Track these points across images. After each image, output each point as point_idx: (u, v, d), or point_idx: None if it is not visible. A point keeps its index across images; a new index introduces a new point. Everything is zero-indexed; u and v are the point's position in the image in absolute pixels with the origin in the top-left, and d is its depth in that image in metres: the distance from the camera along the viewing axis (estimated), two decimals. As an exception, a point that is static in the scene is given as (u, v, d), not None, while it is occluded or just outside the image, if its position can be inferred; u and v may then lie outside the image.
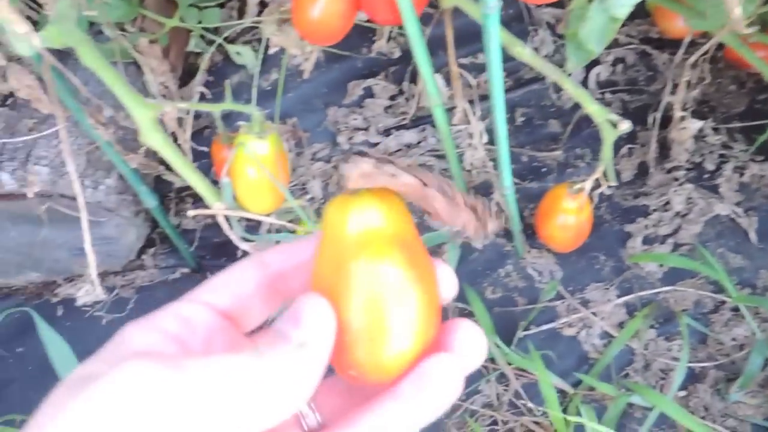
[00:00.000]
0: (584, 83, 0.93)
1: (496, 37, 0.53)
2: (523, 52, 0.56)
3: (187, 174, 0.60)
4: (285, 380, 0.21)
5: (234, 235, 0.62)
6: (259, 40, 0.97)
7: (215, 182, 0.65)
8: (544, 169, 0.88)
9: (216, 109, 0.60)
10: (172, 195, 0.93)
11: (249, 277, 0.26)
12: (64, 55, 0.72)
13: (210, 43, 0.95)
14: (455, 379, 0.23)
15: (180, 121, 0.75)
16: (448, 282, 0.26)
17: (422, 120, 0.93)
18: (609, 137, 0.58)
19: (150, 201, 0.75)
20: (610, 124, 0.58)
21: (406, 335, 0.23)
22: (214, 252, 0.88)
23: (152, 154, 0.84)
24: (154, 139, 0.57)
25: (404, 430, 0.23)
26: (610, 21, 0.49)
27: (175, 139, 0.72)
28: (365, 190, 0.24)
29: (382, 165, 0.26)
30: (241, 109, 0.60)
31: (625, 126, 0.56)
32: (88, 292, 0.73)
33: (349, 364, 0.23)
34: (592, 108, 0.56)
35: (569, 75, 0.57)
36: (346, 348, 0.23)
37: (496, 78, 0.56)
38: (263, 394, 0.21)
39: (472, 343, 0.24)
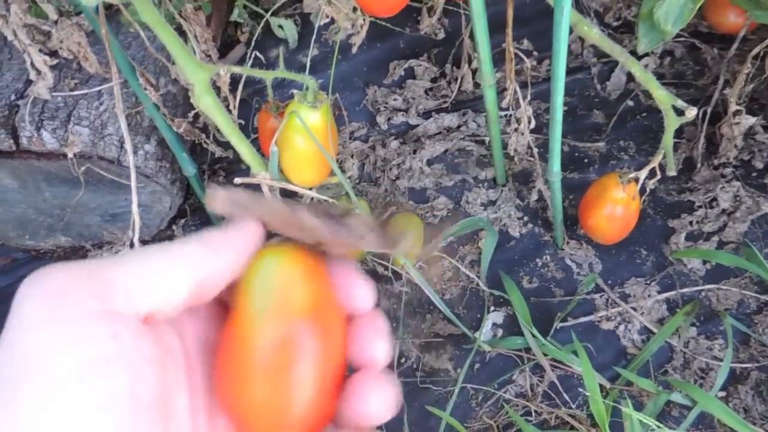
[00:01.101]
0: (631, 75, 0.91)
1: (567, 12, 0.51)
2: (590, 31, 0.54)
3: (236, 140, 0.58)
4: (207, 246, 0.23)
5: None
6: (301, 15, 0.96)
7: (260, 155, 0.64)
8: (585, 160, 0.86)
9: (269, 76, 0.59)
10: (204, 168, 0.92)
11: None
12: (108, 19, 0.71)
13: (252, 15, 0.94)
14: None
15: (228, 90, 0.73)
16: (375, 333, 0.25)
17: (463, 104, 0.91)
18: (672, 124, 0.56)
19: (189, 168, 0.73)
20: (674, 112, 0.56)
21: (299, 407, 0.23)
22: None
23: (191, 123, 0.83)
24: (206, 101, 0.55)
25: None
26: (690, 1, 0.47)
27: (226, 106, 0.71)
28: (286, 247, 0.24)
29: (255, 198, 0.25)
30: (295, 77, 0.59)
31: (692, 113, 0.54)
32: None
33: (243, 416, 0.23)
34: (659, 93, 0.55)
35: (635, 57, 0.56)
36: (245, 401, 0.23)
37: (561, 55, 0.54)
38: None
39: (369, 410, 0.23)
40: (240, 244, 0.23)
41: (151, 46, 0.76)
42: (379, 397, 0.23)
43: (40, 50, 0.72)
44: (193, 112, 0.66)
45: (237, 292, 0.24)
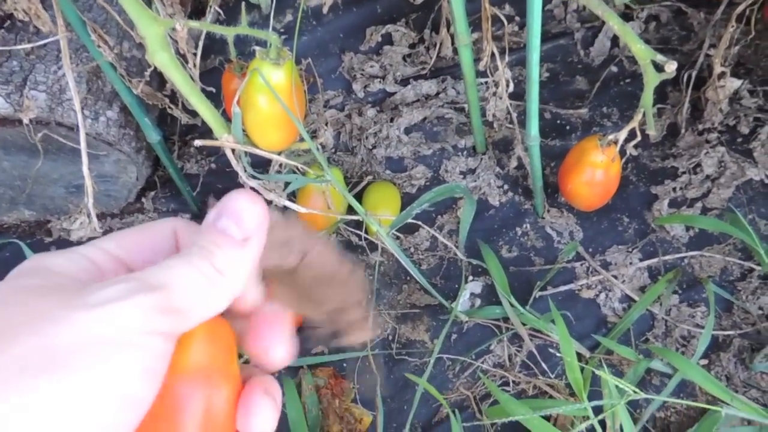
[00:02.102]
0: (615, 40, 0.88)
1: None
2: (565, -19, 0.51)
3: (195, 100, 0.55)
4: (232, 271, 0.23)
5: (242, 170, 0.58)
6: (274, -21, 0.92)
7: (225, 119, 0.61)
8: (567, 127, 0.84)
9: (230, 33, 0.56)
10: (175, 139, 0.89)
11: (160, 240, 0.26)
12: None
13: (221, -22, 0.90)
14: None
15: (188, 49, 0.70)
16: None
17: (442, 71, 0.88)
18: (652, 81, 0.54)
19: (153, 135, 0.70)
20: (654, 68, 0.54)
21: None
22: (218, 197, 0.84)
23: (155, 86, 0.79)
24: (161, 57, 0.52)
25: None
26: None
27: (185, 65, 0.67)
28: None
29: None
30: (257, 33, 0.56)
31: (673, 68, 0.51)
32: (83, 225, 0.69)
33: None
34: (638, 47, 0.52)
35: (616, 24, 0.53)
36: None
37: (536, 14, 0.52)
38: (217, 286, 0.23)
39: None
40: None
41: (113, 9, 0.72)
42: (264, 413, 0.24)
43: (-5, 12, 0.69)
44: (149, 70, 0.63)
45: None
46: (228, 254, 0.23)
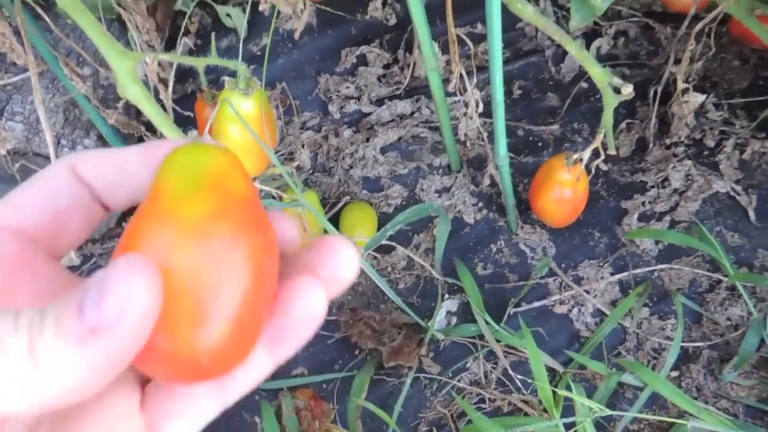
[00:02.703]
0: (584, 57, 0.90)
1: (496, -10, 0.50)
2: (524, 9, 0.53)
3: (166, 129, 0.56)
4: (54, 368, 0.15)
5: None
6: (250, 3, 0.93)
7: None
8: (540, 144, 0.85)
9: (199, 63, 0.57)
10: (155, 162, 0.90)
11: (60, 188, 0.20)
12: (38, 13, 0.69)
13: (199, 4, 0.91)
14: (320, 305, 0.19)
15: (165, 83, 0.72)
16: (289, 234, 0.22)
17: (416, 90, 0.90)
18: (611, 103, 0.56)
19: (130, 163, 0.71)
20: (613, 90, 0.55)
21: (223, 324, 0.18)
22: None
23: (133, 115, 0.81)
24: (132, 91, 0.53)
25: (255, 367, 0.20)
26: (617, -26, 0.46)
27: (158, 97, 0.69)
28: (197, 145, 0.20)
29: None
30: (226, 63, 0.57)
31: (629, 90, 0.53)
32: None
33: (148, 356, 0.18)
34: (595, 71, 0.54)
35: (573, 38, 0.54)
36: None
37: (495, 33, 0.53)
38: (20, 376, 0.15)
39: (345, 269, 0.20)
40: None
41: (89, 39, 0.74)
42: (348, 256, 0.20)
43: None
44: (121, 101, 0.64)
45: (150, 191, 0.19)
46: (60, 344, 0.15)
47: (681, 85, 0.73)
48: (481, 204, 0.81)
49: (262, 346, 0.20)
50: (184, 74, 0.91)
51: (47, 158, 0.70)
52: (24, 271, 0.19)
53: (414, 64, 0.88)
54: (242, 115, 0.58)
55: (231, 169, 0.20)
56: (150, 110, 0.56)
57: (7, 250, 0.19)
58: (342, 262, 0.20)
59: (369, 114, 0.88)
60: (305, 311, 0.19)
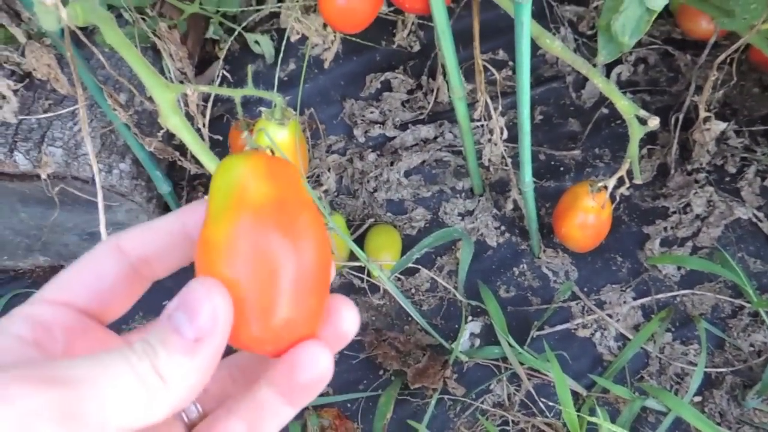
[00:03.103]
0: (604, 83, 0.91)
1: (527, 26, 0.52)
2: (552, 44, 0.55)
3: (205, 158, 0.59)
4: (179, 379, 0.19)
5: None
6: (278, 30, 0.96)
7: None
8: (561, 169, 0.87)
9: (237, 94, 0.59)
10: (183, 183, 0.92)
11: (105, 268, 0.23)
12: (80, 40, 0.71)
13: (228, 31, 0.94)
14: (325, 368, 0.22)
15: (198, 108, 0.74)
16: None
17: (440, 115, 0.92)
18: (636, 133, 0.57)
19: (164, 186, 0.74)
20: (638, 121, 0.57)
21: (288, 307, 0.22)
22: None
23: (167, 140, 0.83)
24: (173, 121, 0.56)
25: (279, 414, 0.23)
26: (646, 13, 0.48)
27: (193, 124, 0.71)
28: (247, 154, 0.23)
29: None
30: (263, 95, 0.59)
31: (655, 122, 0.54)
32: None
33: (233, 336, 0.22)
34: (621, 103, 0.55)
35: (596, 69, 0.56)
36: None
37: (524, 68, 0.55)
38: (155, 395, 0.19)
39: (341, 325, 0.23)
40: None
41: (125, 66, 0.77)
42: (350, 314, 0.23)
43: (14, 72, 0.73)
44: (163, 130, 0.66)
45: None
46: (175, 358, 0.19)
47: (702, 113, 0.74)
48: (503, 228, 0.83)
49: (282, 399, 0.22)
50: (214, 99, 0.94)
51: (85, 181, 0.72)
52: (79, 338, 0.22)
53: (437, 89, 0.90)
54: (277, 144, 0.60)
55: (265, 177, 0.22)
56: (190, 140, 0.58)
57: (63, 322, 0.22)
58: (345, 319, 0.23)
59: (393, 138, 0.90)
60: (312, 376, 0.22)
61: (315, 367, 0.22)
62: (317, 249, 0.22)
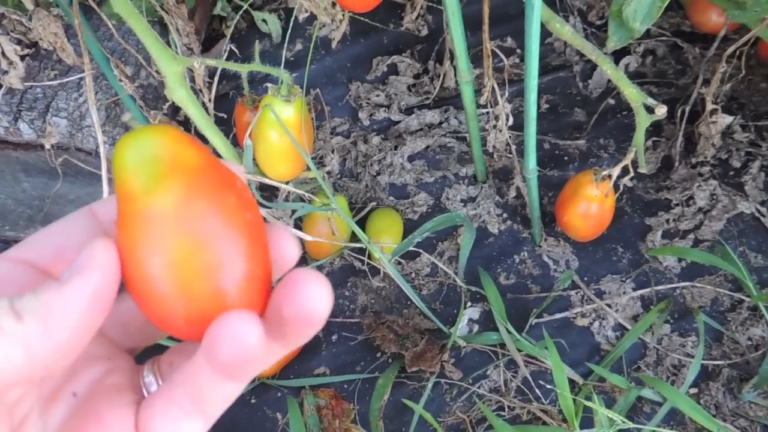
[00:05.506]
0: (612, 74, 0.91)
1: (537, 8, 0.51)
2: (562, 29, 0.54)
3: (210, 133, 0.59)
4: (36, 315, 0.18)
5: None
6: (285, 10, 0.96)
7: (235, 147, 0.64)
8: (565, 158, 0.86)
9: (244, 70, 0.59)
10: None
11: (74, 228, 0.22)
12: (88, 12, 0.71)
13: (236, 9, 0.94)
14: (248, 342, 0.19)
15: (204, 83, 0.74)
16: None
17: (445, 101, 0.91)
18: (643, 122, 0.57)
19: (167, 161, 0.74)
20: (646, 109, 0.57)
21: (214, 282, 0.20)
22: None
23: (171, 115, 0.83)
24: (179, 94, 0.55)
25: (221, 388, 0.21)
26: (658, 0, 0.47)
27: (199, 100, 0.71)
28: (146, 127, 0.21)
29: None
30: (270, 71, 0.59)
31: (662, 111, 0.54)
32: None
33: (160, 316, 0.21)
34: (630, 91, 0.55)
35: (606, 57, 0.56)
36: (157, 301, 0.20)
37: (533, 52, 0.55)
38: (5, 331, 0.18)
39: (307, 302, 0.20)
40: (90, 298, 0.19)
41: (131, 39, 0.76)
42: (317, 288, 0.20)
43: (20, 41, 0.72)
44: (168, 103, 0.66)
45: (116, 184, 0.21)
46: (38, 296, 0.19)
47: (709, 106, 0.74)
48: (505, 215, 0.83)
49: (219, 374, 0.20)
50: (219, 76, 0.93)
51: (88, 153, 0.72)
52: None
53: (444, 75, 0.90)
54: (282, 120, 0.60)
55: (177, 145, 0.21)
56: (196, 114, 0.58)
57: (18, 279, 0.21)
58: (310, 297, 0.20)
59: (398, 122, 0.90)
60: (233, 353, 0.19)
61: (237, 342, 0.19)
62: (255, 217, 0.21)
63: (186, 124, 0.81)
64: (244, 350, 0.19)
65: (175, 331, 0.21)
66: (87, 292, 0.19)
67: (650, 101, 0.55)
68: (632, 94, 0.56)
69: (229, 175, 0.21)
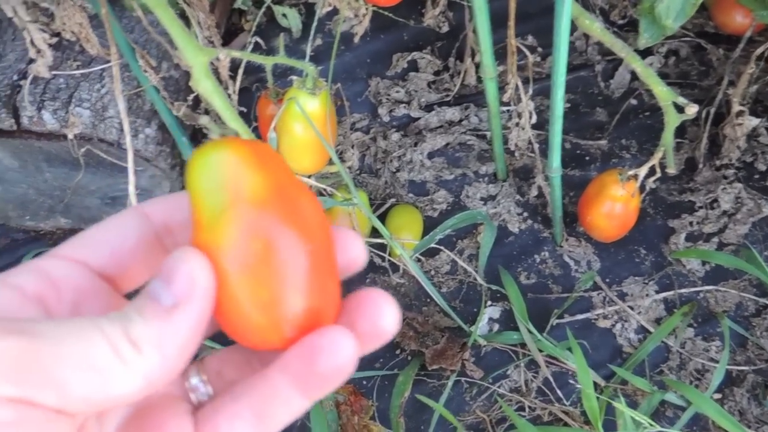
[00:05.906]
0: (635, 73, 0.90)
1: (568, 5, 0.51)
2: (592, 25, 0.54)
3: (235, 125, 0.58)
4: (154, 346, 0.18)
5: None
6: (306, 4, 0.95)
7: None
8: (587, 158, 0.86)
9: (269, 62, 0.58)
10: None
11: (129, 231, 0.22)
12: (111, 2, 0.71)
13: (256, 3, 0.93)
14: (346, 356, 0.19)
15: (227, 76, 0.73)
16: (352, 246, 0.23)
17: (465, 98, 0.91)
18: (672, 121, 0.56)
19: (189, 153, 0.73)
20: (675, 109, 0.56)
21: (295, 297, 0.20)
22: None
23: (192, 108, 0.83)
24: (205, 85, 0.55)
25: (290, 404, 0.20)
26: (694, -5, 0.47)
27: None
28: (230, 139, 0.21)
29: None
30: (296, 64, 0.58)
31: (693, 110, 0.53)
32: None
33: (235, 327, 0.21)
34: (659, 89, 0.54)
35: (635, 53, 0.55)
36: (232, 310, 0.20)
37: (562, 48, 0.54)
38: (127, 362, 0.18)
39: (379, 320, 0.21)
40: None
41: (154, 30, 0.76)
42: (388, 308, 0.21)
43: (44, 31, 0.72)
44: (192, 95, 0.66)
45: (191, 208, 0.21)
46: (151, 324, 0.18)
47: (736, 108, 0.73)
48: (526, 214, 0.82)
49: (296, 388, 0.20)
50: (235, 70, 0.93)
51: (111, 144, 0.72)
52: (89, 300, 0.21)
53: (465, 72, 0.89)
54: (308, 114, 0.59)
55: (246, 168, 0.20)
56: (221, 106, 0.57)
57: (75, 281, 0.21)
58: (384, 315, 0.21)
59: (418, 119, 0.90)
60: (332, 364, 0.20)
61: (336, 355, 0.19)
62: (324, 233, 0.21)
63: (207, 116, 0.81)
64: (341, 362, 0.19)
65: (255, 343, 0.21)
66: (195, 319, 0.19)
67: (681, 100, 0.55)
68: (662, 92, 0.55)
69: (297, 190, 0.21)
